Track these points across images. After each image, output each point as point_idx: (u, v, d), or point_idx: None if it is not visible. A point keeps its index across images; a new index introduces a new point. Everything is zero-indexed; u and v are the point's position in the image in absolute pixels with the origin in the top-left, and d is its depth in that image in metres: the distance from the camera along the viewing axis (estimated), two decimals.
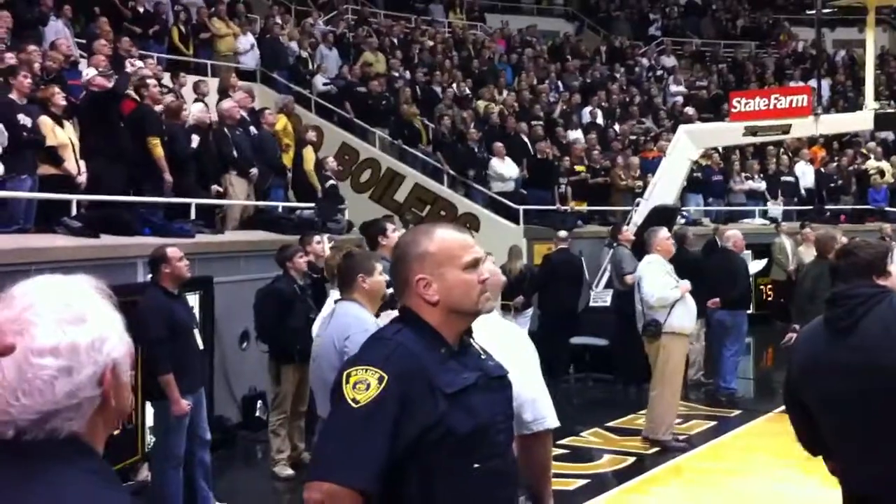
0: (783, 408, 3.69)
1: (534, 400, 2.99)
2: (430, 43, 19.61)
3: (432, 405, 2.26)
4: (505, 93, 18.20)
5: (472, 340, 2.49)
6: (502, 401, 2.46)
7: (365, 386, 2.23)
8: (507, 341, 2.89)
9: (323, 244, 8.49)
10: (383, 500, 2.21)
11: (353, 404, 2.22)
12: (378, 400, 2.21)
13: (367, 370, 2.26)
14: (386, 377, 2.23)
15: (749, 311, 11.51)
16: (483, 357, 2.48)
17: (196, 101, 11.49)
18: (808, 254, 11.55)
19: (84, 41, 12.25)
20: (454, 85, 17.63)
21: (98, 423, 1.42)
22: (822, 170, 18.95)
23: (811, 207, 17.78)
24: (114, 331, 1.45)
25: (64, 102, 8.60)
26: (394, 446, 2.21)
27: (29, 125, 8.09)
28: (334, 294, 5.38)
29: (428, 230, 2.49)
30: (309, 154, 12.23)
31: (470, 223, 13.48)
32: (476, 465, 2.30)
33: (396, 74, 17.09)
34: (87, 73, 10.07)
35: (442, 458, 2.25)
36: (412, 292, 2.41)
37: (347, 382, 2.26)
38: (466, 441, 2.28)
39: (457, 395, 2.29)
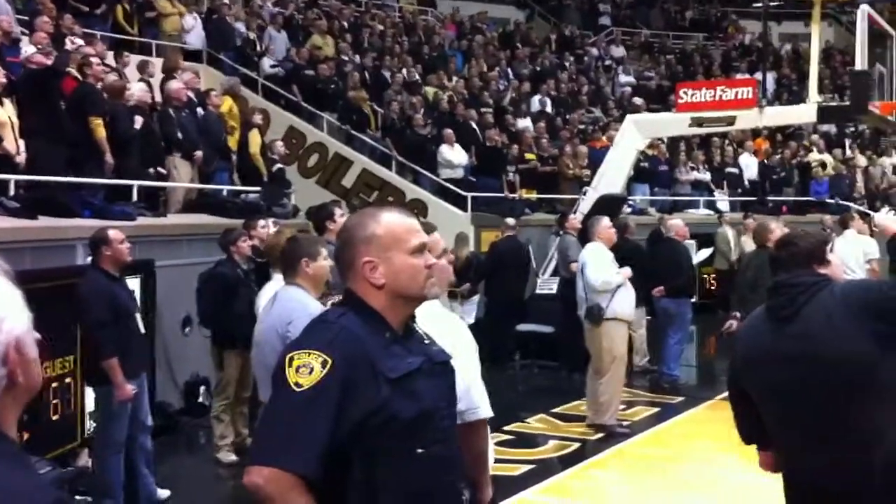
0: (725, 395, 3.72)
1: (468, 389, 2.97)
2: (381, 27, 19.49)
3: (375, 390, 2.24)
4: (454, 79, 18.16)
5: (416, 326, 2.47)
6: (446, 386, 2.45)
7: (308, 370, 2.20)
8: (443, 328, 2.87)
9: (268, 228, 8.39)
10: (326, 484, 2.19)
11: (296, 388, 2.20)
12: (321, 384, 2.19)
13: (310, 354, 2.23)
14: (330, 361, 2.21)
15: (693, 300, 11.66)
16: (427, 342, 2.47)
17: (139, 80, 11.28)
18: (751, 244, 11.70)
19: (26, 18, 11.95)
20: (404, 70, 17.54)
21: (7, 403, 1.36)
22: (766, 161, 19.25)
23: (754, 199, 18.04)
24: (13, 306, 1.37)
25: (3, 80, 8.38)
26: (336, 431, 2.18)
27: None
28: (277, 277, 5.32)
29: (375, 213, 2.46)
30: (255, 137, 12.09)
31: (418, 209, 13.43)
32: (420, 451, 2.29)
33: (346, 58, 16.95)
34: (27, 50, 9.83)
35: (385, 443, 2.24)
36: (358, 275, 2.38)
37: (290, 366, 2.23)
38: (410, 426, 2.26)
39: (400, 380, 2.28)
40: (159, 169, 10.27)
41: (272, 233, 7.15)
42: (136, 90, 10.36)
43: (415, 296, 2.40)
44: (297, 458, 2.16)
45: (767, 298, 3.34)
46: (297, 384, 2.20)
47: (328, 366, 2.20)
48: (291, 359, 2.25)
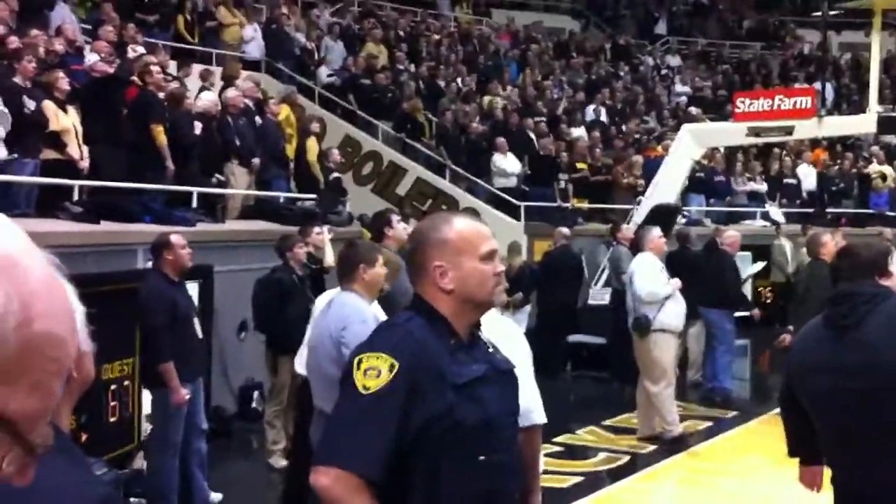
0: (779, 410, 3.69)
1: (522, 395, 3.00)
2: (436, 37, 19.59)
3: (440, 395, 2.26)
4: (509, 88, 18.18)
5: (480, 333, 2.48)
6: (509, 395, 2.46)
7: (376, 373, 2.23)
8: (501, 336, 2.90)
9: (323, 235, 8.49)
10: (388, 488, 2.22)
11: (364, 391, 2.23)
12: (388, 387, 2.21)
13: (378, 357, 2.26)
14: (397, 365, 2.23)
15: (746, 313, 11.50)
16: (491, 350, 2.48)
17: (203, 89, 11.49)
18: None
19: (89, 27, 12.25)
20: (458, 79, 17.62)
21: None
22: (825, 172, 18.95)
23: (812, 210, 17.77)
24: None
25: (68, 87, 8.61)
26: (401, 435, 2.21)
27: (32, 109, 8.09)
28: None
29: (448, 218, 2.49)
30: (312, 145, 12.24)
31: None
32: (482, 458, 2.30)
33: (401, 67, 17.07)
34: (91, 58, 10.07)
35: (448, 450, 2.26)
36: (428, 279, 2.40)
37: (358, 368, 2.26)
38: (473, 433, 2.28)
39: (465, 387, 2.29)
40: (218, 176, 10.44)
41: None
42: (204, 98, 10.55)
43: (483, 302, 2.41)
44: (365, 460, 2.19)
45: (827, 308, 3.31)
46: (364, 387, 2.23)
47: (395, 369, 2.23)
48: (360, 361, 2.28)
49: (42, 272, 0.81)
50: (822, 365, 3.22)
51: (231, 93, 11.29)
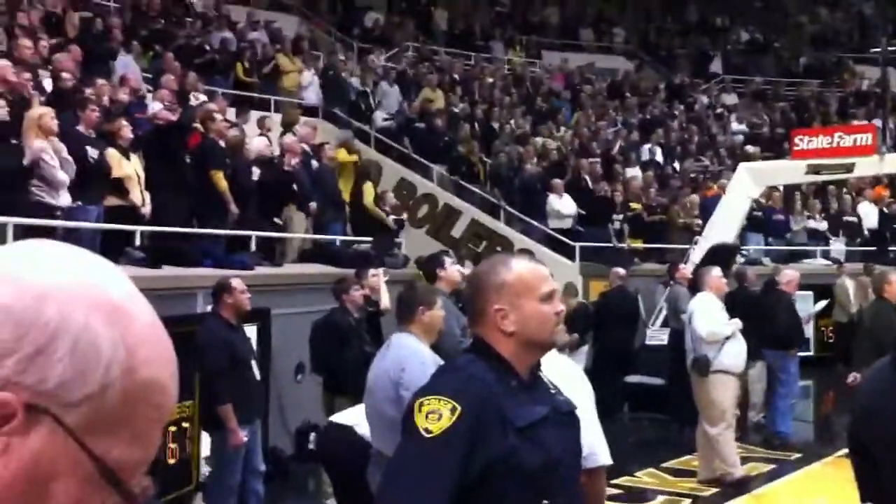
0: (843, 452, 3.62)
1: (587, 435, 2.98)
2: (490, 80, 19.74)
3: (502, 437, 2.24)
4: (563, 129, 18.22)
5: (542, 374, 2.48)
6: (572, 437, 2.45)
7: (437, 416, 2.22)
8: (564, 376, 2.89)
9: (378, 277, 8.55)
10: None
11: (426, 434, 2.22)
12: (451, 431, 2.20)
13: (440, 400, 2.25)
14: (459, 408, 2.22)
15: (809, 354, 11.27)
16: (553, 392, 2.47)
17: (259, 135, 11.71)
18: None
19: (150, 76, 12.57)
20: (512, 121, 17.71)
21: None
22: (886, 210, 18.61)
23: (874, 248, 17.44)
24: None
25: (131, 135, 8.82)
26: (463, 479, 2.20)
27: (96, 157, 8.30)
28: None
29: (506, 260, 2.49)
30: (369, 189, 12.37)
31: None
32: (545, 502, 2.28)
33: (456, 110, 17.21)
34: (153, 106, 10.33)
35: (510, 493, 2.24)
36: (488, 322, 2.40)
37: (420, 411, 2.25)
38: (535, 476, 2.26)
39: (527, 429, 2.28)
40: (276, 220, 10.59)
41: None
42: (258, 143, 10.75)
43: (544, 342, 2.41)
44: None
45: (894, 348, 3.24)
46: (426, 430, 2.22)
47: (457, 413, 2.22)
48: (421, 404, 2.27)
49: (148, 318, 0.82)
50: (890, 407, 3.15)
51: (289, 139, 11.48)
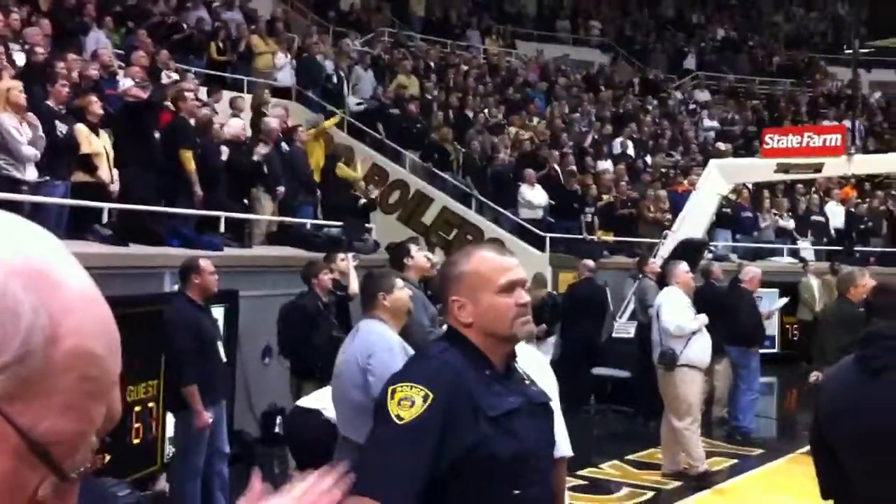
0: (806, 449, 3.64)
1: None
2: (465, 68, 19.71)
3: (475, 427, 2.24)
4: (536, 120, 18.23)
5: (516, 365, 2.47)
6: (545, 428, 2.44)
7: (410, 403, 2.22)
8: (528, 367, 2.89)
9: (347, 262, 8.51)
10: None
11: (398, 421, 2.22)
12: (423, 418, 2.20)
13: (412, 387, 2.25)
14: (431, 395, 2.22)
15: (773, 351, 11.38)
16: (527, 382, 2.47)
17: (233, 115, 11.60)
18: None
19: (122, 52, 12.42)
20: (486, 110, 17.69)
21: None
22: (853, 210, 18.82)
23: (840, 248, 17.63)
24: None
25: (101, 111, 8.70)
26: (435, 466, 2.19)
27: (65, 132, 8.19)
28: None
29: (468, 252, 2.49)
30: (341, 167, 12.37)
31: None
32: (516, 492, 2.27)
33: (430, 97, 17.16)
34: (124, 83, 10.20)
35: (482, 483, 2.24)
36: (449, 313, 2.42)
37: (392, 398, 2.25)
38: (508, 466, 2.26)
39: (500, 419, 2.27)
40: (245, 201, 10.51)
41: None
42: (234, 126, 10.65)
43: (503, 335, 2.38)
44: (398, 491, 2.17)
45: (859, 348, 3.26)
46: (398, 417, 2.22)
47: (429, 400, 2.21)
48: (394, 391, 2.27)
49: (78, 285, 0.77)
50: (855, 407, 3.17)
51: (272, 123, 11.39)
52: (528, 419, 2.35)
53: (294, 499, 1.27)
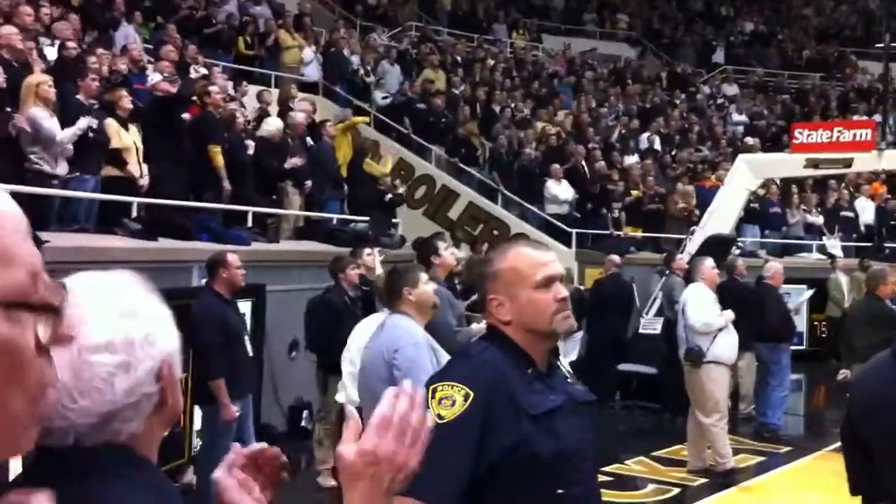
0: (834, 446, 3.61)
1: None
2: (491, 62, 19.67)
3: (516, 425, 2.23)
4: (563, 115, 18.17)
5: (559, 363, 2.46)
6: (587, 426, 2.42)
7: (450, 402, 2.21)
8: None
9: (374, 257, 8.53)
10: None
11: (439, 420, 2.19)
12: (464, 417, 2.19)
13: (453, 386, 2.24)
14: (472, 394, 2.21)
15: (801, 348, 11.28)
16: (569, 380, 2.46)
17: (261, 111, 11.66)
18: None
19: (151, 47, 12.49)
20: (513, 105, 17.65)
21: (153, 424, 1.36)
22: (883, 206, 18.62)
23: (870, 244, 17.46)
24: (166, 324, 1.39)
25: (130, 106, 8.77)
26: (476, 465, 2.18)
27: (94, 127, 8.26)
28: (383, 310, 5.48)
29: (504, 249, 2.48)
30: (368, 161, 12.39)
31: None
32: (560, 492, 2.26)
33: (456, 92, 17.15)
34: (153, 77, 10.26)
35: (524, 482, 2.22)
36: (488, 312, 2.41)
37: (433, 397, 2.24)
38: (550, 465, 2.24)
39: (541, 418, 2.26)
40: (273, 197, 10.56)
41: (380, 271, 7.21)
42: (272, 126, 10.68)
43: (542, 330, 2.36)
44: (440, 491, 2.14)
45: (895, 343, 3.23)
46: (439, 416, 2.20)
47: (470, 399, 2.21)
48: (434, 390, 2.25)
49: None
50: (891, 401, 3.14)
51: (299, 117, 11.43)
52: (570, 418, 2.33)
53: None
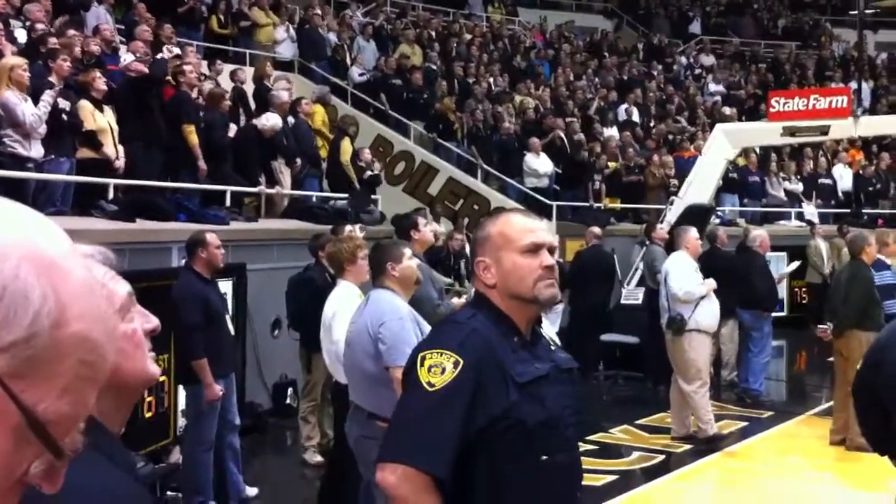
0: (816, 410, 3.63)
1: None
2: (468, 36, 19.58)
3: (504, 393, 2.24)
4: (541, 88, 18.13)
5: (542, 331, 2.47)
6: (571, 394, 2.44)
7: (440, 370, 2.22)
8: None
9: (354, 234, 8.50)
10: (450, 487, 2.20)
11: (429, 387, 2.21)
12: (453, 384, 2.20)
13: (441, 354, 2.25)
14: (461, 362, 2.22)
15: (782, 314, 11.37)
16: (553, 349, 2.47)
17: (236, 90, 11.57)
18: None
19: (123, 27, 12.36)
20: (490, 79, 17.59)
21: (118, 400, 1.38)
22: (861, 173, 18.74)
23: (848, 210, 17.58)
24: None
25: (104, 87, 8.68)
26: (465, 432, 2.19)
27: (68, 109, 8.17)
28: (343, 284, 5.78)
29: (497, 216, 2.50)
30: (346, 146, 12.27)
31: None
32: (544, 458, 2.28)
33: (433, 67, 17.07)
34: (126, 58, 10.16)
35: (510, 448, 2.23)
36: (476, 275, 2.41)
37: (422, 365, 2.25)
38: (535, 432, 2.26)
39: (528, 385, 2.27)
40: (261, 188, 10.54)
41: (329, 244, 7.19)
42: (271, 120, 10.60)
43: (525, 296, 2.36)
44: (431, 457, 2.17)
45: None
46: (429, 384, 2.21)
47: (460, 366, 2.21)
48: (423, 358, 2.26)
49: (83, 276, 0.81)
50: None
51: (284, 95, 11.35)
52: (555, 386, 2.35)
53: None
